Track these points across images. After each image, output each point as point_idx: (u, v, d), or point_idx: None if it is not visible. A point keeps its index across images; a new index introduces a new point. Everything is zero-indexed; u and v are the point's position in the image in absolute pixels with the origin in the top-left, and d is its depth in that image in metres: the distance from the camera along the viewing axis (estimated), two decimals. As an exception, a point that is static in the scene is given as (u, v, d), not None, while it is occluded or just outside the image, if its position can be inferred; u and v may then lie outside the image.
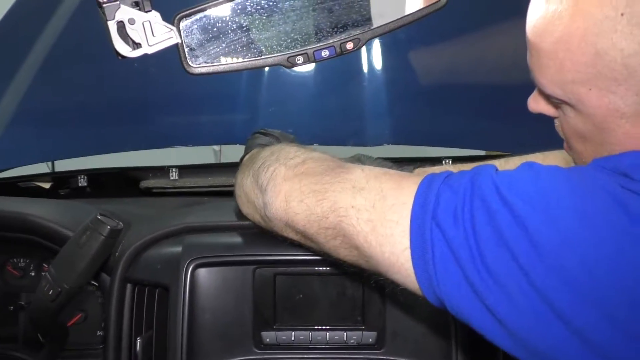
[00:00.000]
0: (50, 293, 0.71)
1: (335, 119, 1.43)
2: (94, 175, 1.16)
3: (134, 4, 0.50)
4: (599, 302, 0.50)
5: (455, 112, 1.35)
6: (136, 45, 0.51)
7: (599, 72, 0.53)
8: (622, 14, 0.51)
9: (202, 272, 0.77)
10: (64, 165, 1.44)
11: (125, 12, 0.49)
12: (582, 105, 0.56)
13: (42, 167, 1.49)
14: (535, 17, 0.57)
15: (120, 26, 0.50)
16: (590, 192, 0.52)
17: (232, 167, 1.17)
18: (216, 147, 2.30)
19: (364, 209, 0.59)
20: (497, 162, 0.86)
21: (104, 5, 0.49)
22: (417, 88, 1.39)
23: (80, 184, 1.15)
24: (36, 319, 0.76)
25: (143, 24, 0.50)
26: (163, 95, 1.38)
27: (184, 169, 1.17)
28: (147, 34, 0.51)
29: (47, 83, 1.36)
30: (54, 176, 1.19)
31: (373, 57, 1.37)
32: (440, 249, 0.54)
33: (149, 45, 0.51)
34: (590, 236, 0.51)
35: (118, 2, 0.49)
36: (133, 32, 0.50)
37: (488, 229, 0.53)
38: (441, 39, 1.32)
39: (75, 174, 1.16)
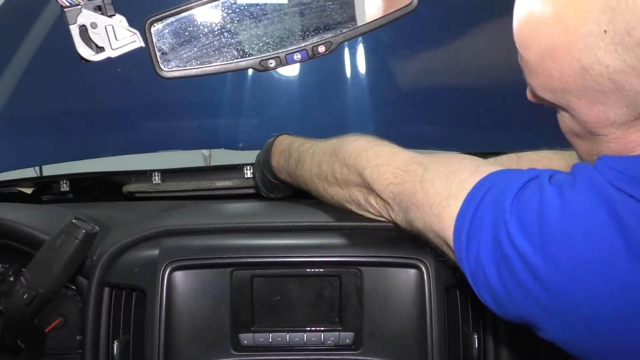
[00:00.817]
0: (25, 297, 0.71)
1: (319, 123, 1.44)
2: (76, 180, 1.16)
3: (96, 8, 0.50)
4: (612, 341, 0.52)
5: (439, 115, 1.36)
6: (99, 49, 0.51)
7: (587, 84, 0.53)
8: (605, 31, 0.50)
9: (179, 275, 0.77)
10: (51, 170, 1.44)
11: (87, 17, 0.50)
12: (573, 111, 0.56)
13: (29, 172, 1.49)
14: (520, 22, 0.56)
15: (83, 30, 0.50)
16: (592, 226, 0.52)
17: (216, 171, 1.19)
18: (205, 152, 2.31)
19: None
20: (509, 159, 0.90)
21: (65, 9, 0.49)
22: (401, 91, 1.40)
23: (62, 189, 1.15)
24: (12, 324, 0.76)
25: (106, 27, 0.51)
26: (147, 100, 1.39)
27: (166, 173, 1.17)
28: (110, 37, 0.51)
29: (30, 89, 1.36)
30: (36, 181, 1.19)
31: (357, 61, 1.38)
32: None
33: (112, 49, 0.52)
34: (591, 275, 0.52)
35: (79, 7, 0.49)
36: (96, 36, 0.50)
37: (508, 277, 0.55)
38: (423, 43, 1.33)
39: (57, 178, 1.16)
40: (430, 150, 1.41)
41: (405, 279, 0.77)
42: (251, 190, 1.09)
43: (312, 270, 0.78)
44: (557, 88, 0.55)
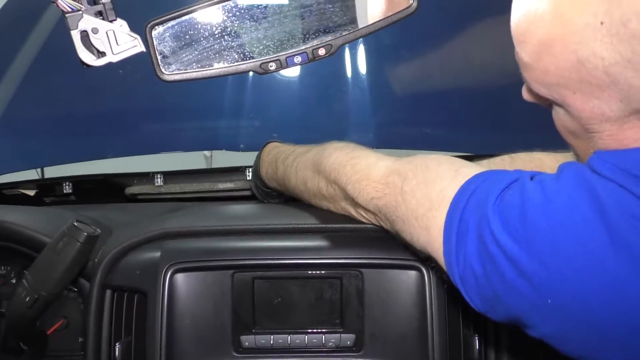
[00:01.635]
0: (27, 300, 0.71)
1: (320, 124, 1.44)
2: (79, 182, 1.17)
3: (97, 13, 0.50)
4: (601, 335, 0.52)
5: (439, 116, 1.36)
6: (100, 54, 0.52)
7: (582, 78, 0.52)
8: (601, 23, 0.50)
9: (181, 277, 0.77)
10: (53, 172, 1.44)
11: (88, 22, 0.50)
12: (567, 106, 0.55)
13: (31, 174, 1.50)
14: (518, 14, 0.56)
15: (84, 35, 0.50)
16: (575, 220, 0.52)
17: (218, 173, 1.19)
18: (207, 153, 2.31)
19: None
20: (502, 160, 0.89)
21: (67, 15, 0.49)
22: (401, 93, 1.40)
23: (65, 191, 1.15)
24: (14, 326, 0.76)
25: (107, 33, 0.51)
26: (148, 102, 1.39)
27: (169, 175, 1.17)
28: (111, 42, 0.51)
29: (32, 91, 1.36)
30: (38, 183, 1.19)
31: (358, 63, 1.38)
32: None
33: (113, 53, 0.52)
34: (577, 270, 0.51)
35: (81, 12, 0.50)
36: (97, 41, 0.50)
37: (494, 276, 0.55)
38: (423, 45, 1.33)
39: (60, 181, 1.17)
40: (427, 151, 1.43)
41: (406, 281, 0.77)
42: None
43: (313, 272, 0.78)
44: (553, 83, 0.55)
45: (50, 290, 0.71)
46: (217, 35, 0.67)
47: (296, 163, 0.84)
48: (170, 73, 0.65)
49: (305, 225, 0.82)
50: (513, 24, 0.57)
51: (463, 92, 1.35)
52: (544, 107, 0.62)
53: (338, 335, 0.78)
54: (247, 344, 0.78)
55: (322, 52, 0.69)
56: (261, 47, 0.68)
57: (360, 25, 0.69)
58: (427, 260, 0.70)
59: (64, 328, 0.90)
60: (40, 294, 0.71)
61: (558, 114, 0.59)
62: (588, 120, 0.55)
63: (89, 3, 0.51)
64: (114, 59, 0.52)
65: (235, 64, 0.68)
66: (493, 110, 1.34)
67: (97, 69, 1.46)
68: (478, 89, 1.34)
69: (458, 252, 0.58)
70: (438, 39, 1.30)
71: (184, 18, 0.65)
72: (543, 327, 0.55)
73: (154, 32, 0.63)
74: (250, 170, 1.13)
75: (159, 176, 1.14)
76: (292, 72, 1.39)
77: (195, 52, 0.66)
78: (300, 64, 0.69)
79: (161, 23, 0.63)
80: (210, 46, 0.67)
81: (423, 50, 1.35)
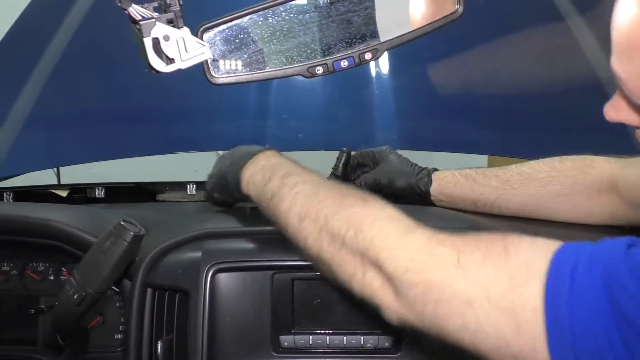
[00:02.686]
0: (75, 297, 0.72)
1: (345, 124, 1.45)
2: (110, 188, 1.19)
3: (168, 21, 0.52)
4: None
5: (464, 118, 1.37)
6: (170, 61, 0.53)
7: None
8: None
9: (222, 276, 0.78)
10: (76, 174, 1.46)
11: (160, 29, 0.51)
12: None
13: (50, 178, 1.51)
14: (625, 18, 0.50)
15: (155, 42, 0.51)
16: None
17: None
18: (220, 152, 2.31)
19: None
20: (551, 162, 0.89)
21: (141, 22, 0.50)
22: (426, 95, 1.41)
23: (97, 195, 1.17)
24: (60, 323, 0.77)
25: (177, 40, 0.52)
26: (174, 101, 1.40)
27: (201, 184, 1.18)
28: (180, 49, 0.53)
29: (58, 89, 1.38)
30: (71, 188, 1.21)
31: (382, 63, 1.39)
32: None
33: (182, 60, 0.53)
34: None
35: (154, 20, 0.51)
36: (167, 48, 0.51)
37: (634, 338, 0.48)
38: (449, 45, 1.33)
39: (92, 186, 1.19)
40: (451, 152, 1.43)
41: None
42: None
43: None
44: None
45: (97, 288, 0.73)
46: (265, 39, 0.68)
47: (299, 190, 0.70)
48: (220, 76, 0.66)
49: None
50: (619, 28, 0.52)
51: (489, 94, 1.35)
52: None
53: (376, 336, 0.79)
54: (286, 344, 0.79)
55: (368, 56, 0.70)
56: (309, 51, 0.69)
57: (406, 31, 0.70)
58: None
59: (101, 325, 0.91)
60: (88, 291, 0.72)
61: None
62: None
63: (156, 11, 0.52)
64: (183, 65, 0.53)
65: (283, 67, 0.69)
66: (518, 112, 1.34)
67: (123, 69, 1.47)
68: (505, 91, 1.34)
69: (575, 330, 0.49)
70: (464, 40, 1.31)
71: (234, 22, 0.66)
72: None
73: (205, 36, 0.64)
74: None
75: (191, 185, 1.16)
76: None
77: (245, 56, 0.67)
78: (346, 68, 0.70)
79: (212, 27, 0.64)
80: (259, 50, 0.68)
81: (448, 51, 1.36)
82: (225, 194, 0.87)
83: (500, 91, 1.36)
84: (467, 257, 0.55)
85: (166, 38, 0.51)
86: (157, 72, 0.54)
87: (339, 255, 0.63)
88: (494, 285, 0.52)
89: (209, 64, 0.64)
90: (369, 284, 0.61)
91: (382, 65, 1.40)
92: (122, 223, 0.72)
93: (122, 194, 1.20)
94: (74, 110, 1.41)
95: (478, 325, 0.53)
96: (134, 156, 1.39)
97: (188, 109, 1.39)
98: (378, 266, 0.60)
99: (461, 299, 0.54)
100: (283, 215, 0.71)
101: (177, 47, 0.52)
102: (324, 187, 0.71)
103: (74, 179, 1.40)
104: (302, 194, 0.70)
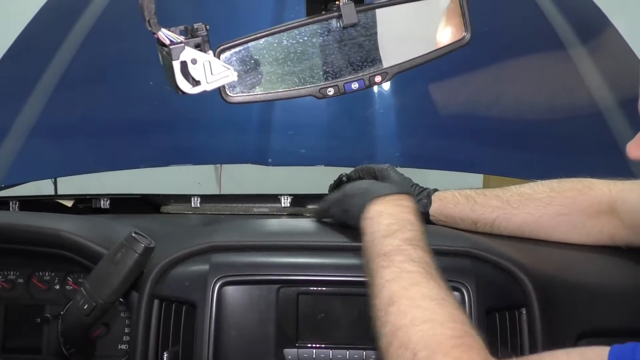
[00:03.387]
0: (85, 307, 0.74)
1: (347, 141, 1.47)
2: (115, 199, 1.21)
3: (195, 45, 0.54)
4: None
5: (466, 138, 1.40)
6: (196, 83, 0.55)
7: None
8: None
9: (229, 289, 0.80)
10: (74, 184, 1.47)
11: (188, 53, 0.53)
12: None
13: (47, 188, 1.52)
14: None
15: (183, 65, 0.54)
16: None
17: (252, 198, 1.21)
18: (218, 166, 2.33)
19: None
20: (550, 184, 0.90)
21: (171, 47, 0.53)
22: (428, 114, 1.44)
23: (102, 206, 1.19)
24: (69, 332, 0.79)
25: (204, 63, 0.54)
26: (179, 114, 1.42)
27: (205, 197, 1.20)
28: (206, 72, 0.55)
29: (64, 100, 1.40)
30: (76, 198, 1.23)
31: (385, 83, 1.42)
32: None
33: (207, 82, 0.55)
34: None
35: (183, 45, 0.53)
36: (194, 71, 0.54)
37: None
38: (451, 67, 1.37)
39: (97, 197, 1.21)
40: (451, 171, 1.46)
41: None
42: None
43: (357, 289, 0.81)
44: None
45: (107, 298, 0.74)
46: (280, 61, 0.70)
47: (409, 269, 0.66)
48: (235, 95, 0.68)
49: (350, 244, 0.84)
50: None
51: (490, 116, 1.38)
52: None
53: (379, 352, 0.80)
54: (290, 357, 0.80)
55: (378, 79, 0.72)
56: (321, 73, 0.71)
57: (415, 55, 0.73)
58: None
59: (105, 335, 0.93)
60: (98, 302, 0.74)
61: None
62: None
63: (182, 34, 0.54)
64: (208, 87, 0.55)
65: (296, 88, 0.71)
66: (518, 134, 1.38)
67: (129, 81, 1.48)
68: (505, 113, 1.37)
69: None
70: (467, 64, 1.34)
71: (250, 44, 0.68)
72: None
73: (222, 56, 0.66)
74: (287, 197, 1.13)
75: (196, 198, 1.18)
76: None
77: (259, 76, 0.69)
78: (357, 90, 0.72)
79: (229, 48, 0.66)
80: (273, 71, 0.70)
81: (451, 73, 1.39)
82: (343, 214, 0.83)
83: (501, 113, 1.39)
84: None
85: (194, 61, 0.54)
86: (184, 93, 0.56)
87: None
88: None
89: (225, 84, 0.67)
90: None
91: (384, 84, 1.43)
92: (133, 235, 0.74)
93: (126, 205, 1.22)
94: (78, 121, 1.43)
95: None
96: (137, 167, 1.41)
97: (192, 122, 1.41)
98: None
99: None
100: (378, 282, 0.68)
101: (203, 70, 0.54)
102: (431, 282, 0.66)
103: (71, 189, 1.41)
104: (407, 278, 0.66)
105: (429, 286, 0.65)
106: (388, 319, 0.64)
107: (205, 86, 0.55)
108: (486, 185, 2.15)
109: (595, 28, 1.43)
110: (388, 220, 0.73)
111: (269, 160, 1.43)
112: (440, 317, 0.62)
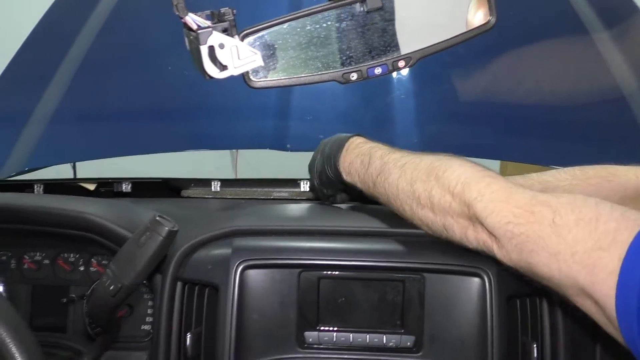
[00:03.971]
0: (111, 288, 0.75)
1: (365, 126, 1.46)
2: (136, 183, 1.22)
3: (223, 30, 0.54)
4: None
5: (485, 124, 1.38)
6: (223, 67, 0.55)
7: None
8: None
9: (251, 273, 0.81)
10: (92, 169, 1.49)
11: (216, 38, 0.54)
12: None
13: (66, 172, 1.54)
14: None
15: (211, 50, 0.54)
16: None
17: (272, 182, 1.22)
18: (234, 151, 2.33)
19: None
20: (572, 171, 0.90)
21: (199, 32, 0.53)
22: (447, 100, 1.42)
23: (124, 190, 1.21)
24: (95, 312, 0.80)
25: (231, 48, 0.55)
26: (197, 99, 1.43)
27: (225, 181, 1.21)
28: (233, 56, 0.55)
29: (84, 86, 1.41)
30: (98, 182, 1.24)
31: (405, 70, 1.41)
32: None
33: (234, 67, 0.55)
34: None
35: (211, 29, 0.53)
36: (222, 56, 0.54)
37: None
38: (472, 52, 1.35)
39: (119, 181, 1.22)
40: (479, 159, 1.44)
41: (468, 287, 0.80)
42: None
43: (377, 274, 0.81)
44: None
45: (132, 280, 0.75)
46: (303, 46, 0.70)
47: (404, 161, 0.80)
48: (259, 80, 0.68)
49: (371, 229, 0.85)
50: None
51: (511, 101, 1.37)
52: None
53: (398, 336, 0.81)
54: (311, 339, 0.81)
55: (401, 64, 0.72)
56: (344, 58, 0.71)
57: (439, 40, 0.72)
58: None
59: (128, 315, 0.94)
60: (124, 283, 0.75)
61: None
62: None
63: (208, 18, 0.55)
64: (235, 72, 0.56)
65: (319, 73, 0.71)
66: (539, 120, 1.36)
67: (149, 65, 1.49)
68: (527, 99, 1.36)
69: None
70: (489, 48, 1.32)
71: (274, 28, 0.68)
72: None
73: (245, 41, 0.66)
74: (306, 182, 1.16)
75: (216, 182, 1.19)
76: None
77: (282, 61, 0.69)
78: (380, 75, 0.72)
79: (253, 32, 0.67)
80: (297, 55, 0.70)
81: (472, 58, 1.37)
82: (332, 188, 0.96)
83: (522, 99, 1.37)
84: (562, 218, 0.63)
85: (221, 46, 0.54)
86: (211, 77, 0.56)
87: (450, 207, 0.73)
88: (580, 244, 0.60)
89: (250, 69, 0.67)
90: (480, 233, 0.71)
91: (404, 70, 1.42)
92: (157, 218, 0.75)
93: (147, 188, 1.23)
94: (99, 106, 1.44)
95: (560, 274, 0.62)
96: (155, 152, 1.42)
97: (211, 108, 1.42)
98: (483, 218, 0.69)
99: (550, 252, 0.63)
100: (393, 185, 0.80)
101: (230, 55, 0.55)
102: (426, 156, 0.80)
103: (89, 174, 1.43)
104: (408, 164, 0.80)
105: (428, 156, 0.79)
106: (418, 193, 0.77)
107: (233, 71, 0.55)
108: (503, 172, 2.13)
109: (620, 12, 1.40)
110: (359, 161, 0.87)
111: (288, 145, 1.43)
112: (459, 162, 0.75)
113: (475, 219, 0.71)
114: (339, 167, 0.91)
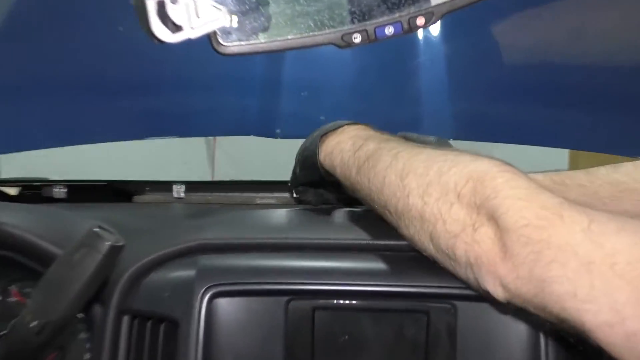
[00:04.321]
0: (33, 325, 0.75)
1: (380, 104, 1.47)
2: (73, 187, 1.22)
3: (178, -21, 0.54)
4: None
5: (539, 101, 1.38)
6: (177, 28, 0.55)
7: None
8: None
9: (222, 302, 0.81)
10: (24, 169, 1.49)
11: (167, -11, 0.54)
12: None
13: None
14: None
15: (160, 6, 0.54)
16: None
17: (252, 186, 1.22)
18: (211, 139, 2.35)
19: None
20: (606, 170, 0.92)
21: (143, -20, 0.53)
22: (489, 68, 1.42)
23: (56, 196, 1.21)
24: (12, 357, 0.81)
25: (186, 2, 0.55)
26: (159, 71, 1.42)
27: (192, 185, 1.21)
28: (190, 14, 0.55)
29: (3, 51, 1.41)
30: (22, 184, 1.25)
31: (432, 28, 1.41)
32: None
33: (191, 28, 0.55)
34: None
35: (159, -22, 0.53)
36: (174, 13, 0.54)
37: None
38: (517, 3, 1.35)
39: (50, 183, 1.22)
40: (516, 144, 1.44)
41: (513, 320, 0.79)
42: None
43: (392, 303, 0.81)
44: None
45: (62, 314, 0.76)
46: (289, -2, 0.70)
47: (401, 150, 0.82)
48: (231, 44, 0.68)
49: (383, 242, 0.85)
50: None
51: (573, 67, 1.36)
52: None
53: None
54: (303, 392, 0.82)
55: (420, 21, 0.72)
56: (344, 14, 0.71)
57: (472, -12, 0.72)
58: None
59: (59, 361, 0.95)
60: (50, 318, 0.75)
61: None
62: None
63: (160, -34, 0.54)
64: (192, 34, 0.56)
65: (311, 34, 0.71)
66: (611, 93, 1.35)
67: (85, 26, 1.48)
68: (595, 63, 1.35)
69: None
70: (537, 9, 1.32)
71: (249, -25, 0.68)
72: None
73: (210, -8, 0.66)
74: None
75: (179, 186, 1.18)
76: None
77: (262, 19, 0.70)
78: (392, 37, 0.72)
79: (221, -20, 0.67)
80: (281, 11, 0.70)
81: (519, 8, 1.37)
82: (308, 171, 0.98)
83: (589, 63, 1.37)
84: (600, 225, 0.63)
85: (173, 1, 0.54)
86: (161, 42, 0.56)
87: (449, 211, 0.73)
88: (624, 254, 0.60)
89: (217, 30, 0.67)
90: (478, 240, 0.70)
91: (431, 28, 1.41)
92: (96, 230, 0.75)
93: (88, 193, 1.24)
94: (23, 81, 1.44)
95: (591, 292, 0.61)
96: (101, 142, 1.42)
97: (176, 82, 1.42)
98: (496, 217, 0.69)
99: (580, 262, 0.62)
100: (379, 175, 0.81)
101: (186, 12, 0.55)
102: (430, 148, 0.82)
103: (15, 174, 1.43)
104: (404, 152, 0.81)
105: (439, 151, 0.80)
106: (409, 189, 0.77)
107: (189, 32, 0.56)
108: (573, 164, 2.13)
109: None
110: (351, 142, 0.90)
111: (277, 130, 1.43)
112: (470, 157, 0.76)
113: (482, 222, 0.70)
114: (319, 145, 0.93)
